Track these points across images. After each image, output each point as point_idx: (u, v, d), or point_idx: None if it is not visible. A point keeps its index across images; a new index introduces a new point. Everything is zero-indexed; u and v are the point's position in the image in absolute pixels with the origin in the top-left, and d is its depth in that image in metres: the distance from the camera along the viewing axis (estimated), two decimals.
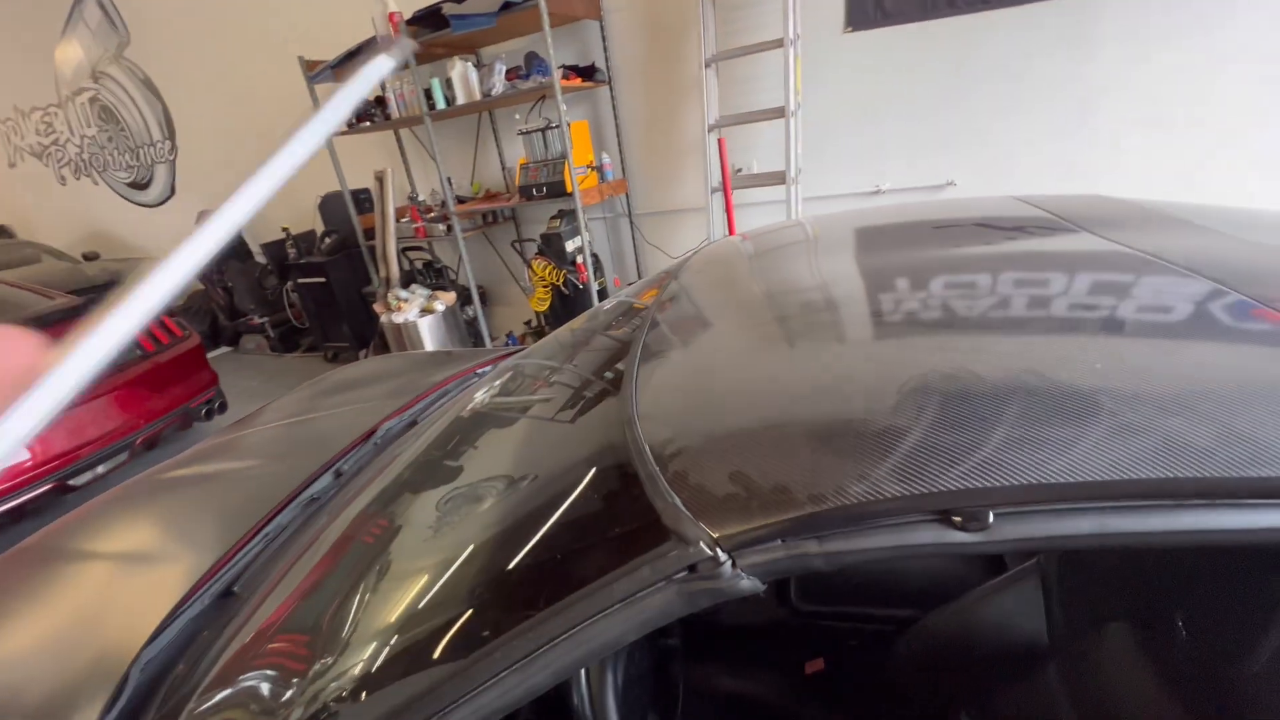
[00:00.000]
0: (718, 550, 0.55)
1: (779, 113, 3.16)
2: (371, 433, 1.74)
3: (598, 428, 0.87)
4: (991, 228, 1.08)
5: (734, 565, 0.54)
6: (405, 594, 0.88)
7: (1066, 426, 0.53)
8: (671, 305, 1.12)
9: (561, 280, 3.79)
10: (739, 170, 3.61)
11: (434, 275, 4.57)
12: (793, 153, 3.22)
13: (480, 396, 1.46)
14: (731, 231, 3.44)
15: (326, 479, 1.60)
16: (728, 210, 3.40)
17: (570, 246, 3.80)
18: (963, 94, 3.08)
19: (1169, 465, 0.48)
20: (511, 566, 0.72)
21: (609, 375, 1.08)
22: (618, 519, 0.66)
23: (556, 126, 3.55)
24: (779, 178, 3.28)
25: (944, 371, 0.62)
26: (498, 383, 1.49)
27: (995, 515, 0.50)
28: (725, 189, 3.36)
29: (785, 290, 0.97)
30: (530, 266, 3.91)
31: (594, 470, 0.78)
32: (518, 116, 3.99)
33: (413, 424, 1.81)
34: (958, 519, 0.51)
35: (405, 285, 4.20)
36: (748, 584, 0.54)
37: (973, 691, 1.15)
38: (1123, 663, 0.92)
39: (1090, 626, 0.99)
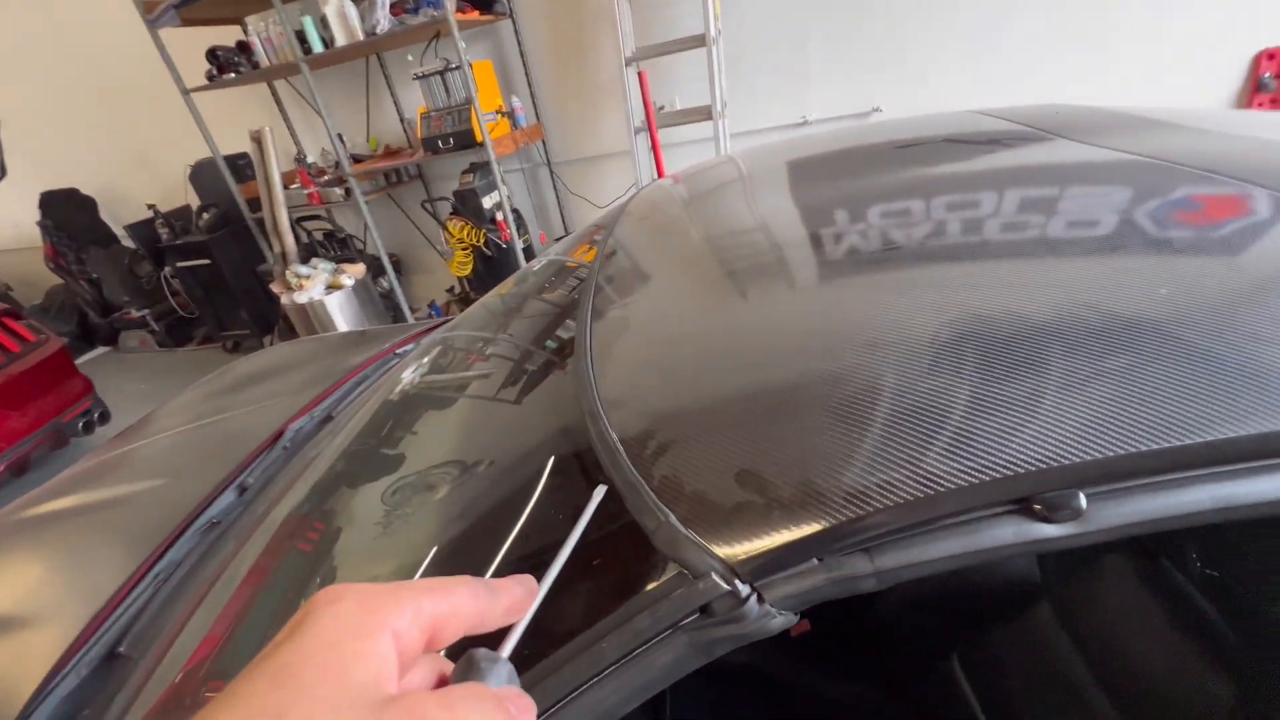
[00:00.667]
0: (736, 582, 0.41)
1: (699, 41, 2.94)
2: (278, 435, 1.49)
3: (551, 419, 0.71)
4: (965, 143, 0.96)
5: (760, 599, 0.41)
6: None
7: (1150, 373, 0.42)
8: (615, 263, 0.95)
9: (482, 240, 3.50)
10: (661, 108, 3.38)
11: (338, 246, 4.12)
12: (717, 85, 3.03)
13: (411, 375, 1.25)
14: (660, 174, 3.25)
15: (228, 497, 1.36)
16: (654, 151, 3.19)
17: (488, 203, 3.48)
18: (880, 13, 2.97)
19: None
20: None
21: (552, 347, 0.92)
22: (592, 549, 0.51)
23: (457, 68, 3.17)
24: (705, 113, 3.08)
25: (984, 315, 0.50)
26: (426, 359, 1.28)
27: (1088, 498, 0.39)
28: (650, 128, 3.13)
29: (754, 232, 0.82)
30: (446, 228, 3.58)
31: (549, 483, 0.62)
32: (411, 58, 3.55)
33: (327, 419, 1.58)
34: (1039, 507, 0.39)
35: (305, 260, 3.76)
36: (780, 621, 0.41)
37: (964, 634, 1.11)
38: (1123, 596, 0.88)
39: (1085, 561, 0.95)
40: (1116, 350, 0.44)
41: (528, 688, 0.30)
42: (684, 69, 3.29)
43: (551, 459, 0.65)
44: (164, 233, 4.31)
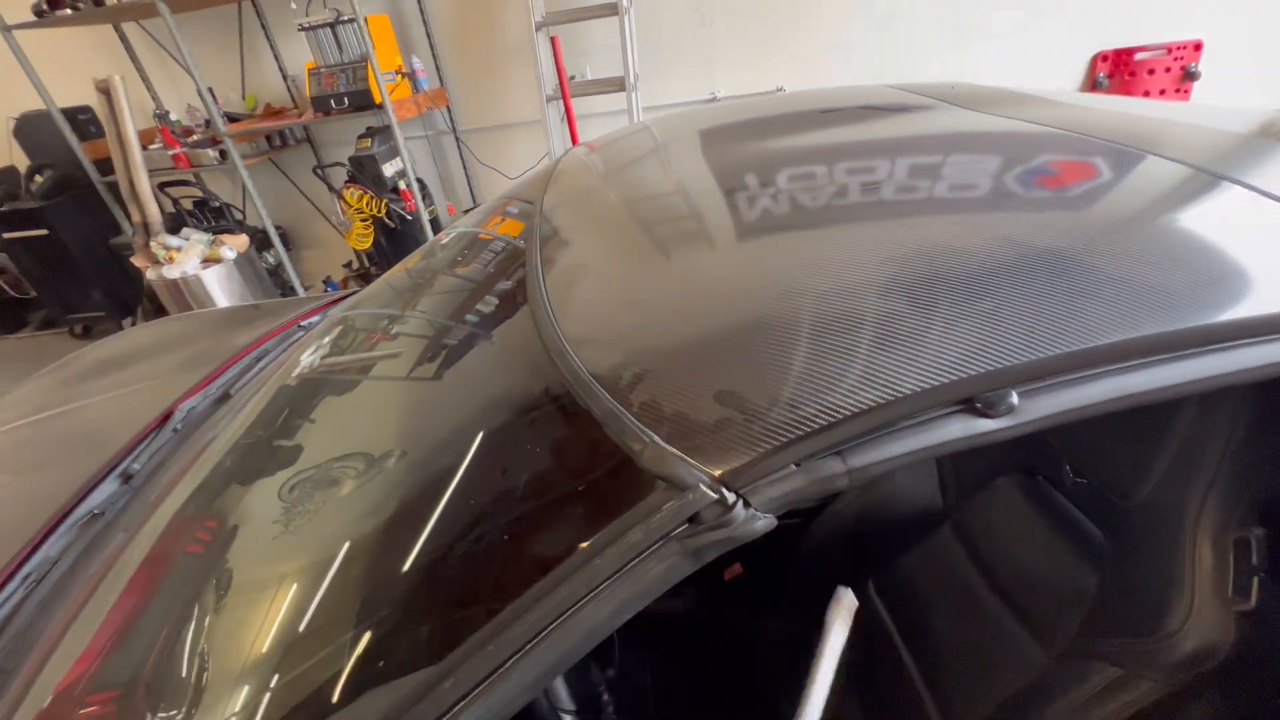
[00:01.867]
0: (723, 490, 0.44)
1: (611, 9, 2.91)
2: (167, 416, 1.35)
3: (495, 372, 0.70)
4: (888, 110, 1.04)
5: (746, 504, 0.44)
6: (275, 613, 0.67)
7: (1062, 291, 0.49)
8: (561, 215, 0.94)
9: (383, 211, 3.28)
10: (573, 77, 3.32)
11: (212, 216, 3.70)
12: (630, 56, 3.02)
13: (310, 358, 1.17)
14: (575, 143, 3.20)
15: (110, 485, 1.21)
16: (569, 118, 3.14)
17: (389, 170, 3.27)
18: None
19: (1164, 318, 0.46)
20: (436, 560, 0.55)
21: (486, 312, 0.89)
22: (573, 477, 0.52)
23: (350, 20, 2.93)
24: (618, 84, 3.07)
25: (925, 248, 0.55)
26: (327, 340, 1.20)
27: (1019, 395, 0.45)
28: (564, 94, 3.07)
29: (715, 174, 0.84)
30: (342, 197, 3.32)
31: (516, 421, 0.62)
32: (295, 6, 3.22)
33: (224, 398, 1.44)
34: (980, 405, 0.45)
35: (174, 231, 3.34)
36: (763, 523, 0.44)
37: (876, 562, 1.23)
38: (1011, 511, 1.02)
39: (979, 485, 1.09)
40: (1032, 275, 0.51)
41: (526, 612, 0.31)
42: (596, 39, 3.24)
43: (481, 433, 0.64)
44: None
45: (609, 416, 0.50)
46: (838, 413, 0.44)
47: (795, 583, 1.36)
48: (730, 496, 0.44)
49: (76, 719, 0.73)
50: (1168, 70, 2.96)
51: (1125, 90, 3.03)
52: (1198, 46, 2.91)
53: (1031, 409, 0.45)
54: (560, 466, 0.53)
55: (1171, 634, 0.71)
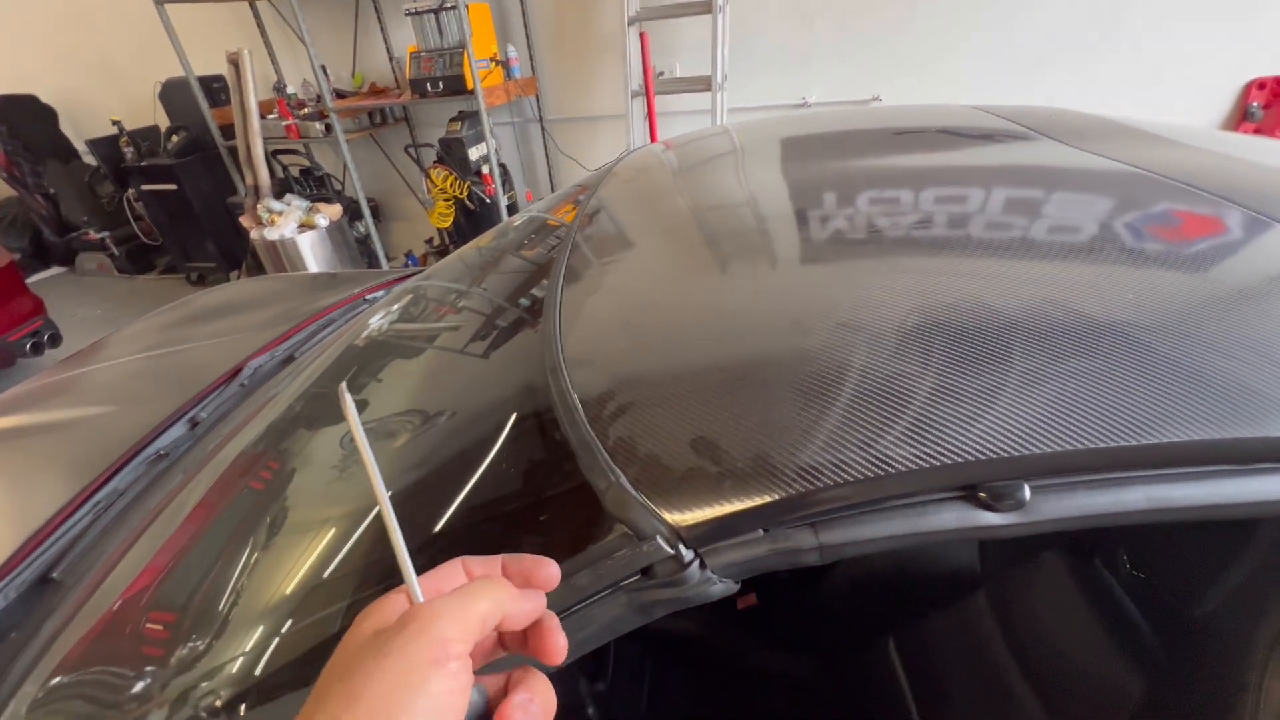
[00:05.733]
0: (680, 547, 0.41)
1: (705, 7, 2.86)
2: (236, 371, 1.45)
3: (517, 375, 0.69)
4: (959, 135, 0.96)
5: (702, 565, 0.41)
6: (319, 551, 0.70)
7: (1101, 374, 0.42)
8: (596, 223, 0.92)
9: (465, 193, 3.40)
10: (660, 74, 3.30)
11: (314, 185, 3.97)
12: (719, 55, 2.96)
13: (379, 322, 1.22)
14: (654, 140, 3.19)
15: (179, 429, 1.32)
16: (650, 116, 3.12)
17: (474, 154, 3.38)
18: (891, 1, 2.92)
19: (1234, 423, 0.39)
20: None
21: (524, 304, 0.90)
22: (534, 504, 0.50)
23: (452, 7, 3.04)
24: (704, 83, 3.02)
25: (952, 305, 0.50)
26: (397, 307, 1.25)
27: (1032, 490, 0.39)
28: (648, 91, 3.06)
29: (740, 204, 0.80)
30: (429, 176, 3.47)
31: (508, 438, 0.61)
32: None
33: (289, 360, 1.54)
34: (984, 495, 0.40)
35: (279, 196, 3.61)
36: (720, 588, 0.41)
37: (902, 616, 1.15)
38: (1056, 593, 0.92)
39: (1024, 555, 0.99)
40: (1073, 350, 0.44)
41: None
42: (686, 36, 3.20)
43: (513, 415, 0.64)
44: (129, 152, 4.09)
45: (582, 447, 0.48)
46: (816, 479, 0.40)
47: (812, 622, 1.30)
48: (687, 554, 0.41)
49: (126, 632, 0.80)
50: None
51: None
52: None
53: (1044, 508, 0.39)
54: (526, 489, 0.52)
55: None
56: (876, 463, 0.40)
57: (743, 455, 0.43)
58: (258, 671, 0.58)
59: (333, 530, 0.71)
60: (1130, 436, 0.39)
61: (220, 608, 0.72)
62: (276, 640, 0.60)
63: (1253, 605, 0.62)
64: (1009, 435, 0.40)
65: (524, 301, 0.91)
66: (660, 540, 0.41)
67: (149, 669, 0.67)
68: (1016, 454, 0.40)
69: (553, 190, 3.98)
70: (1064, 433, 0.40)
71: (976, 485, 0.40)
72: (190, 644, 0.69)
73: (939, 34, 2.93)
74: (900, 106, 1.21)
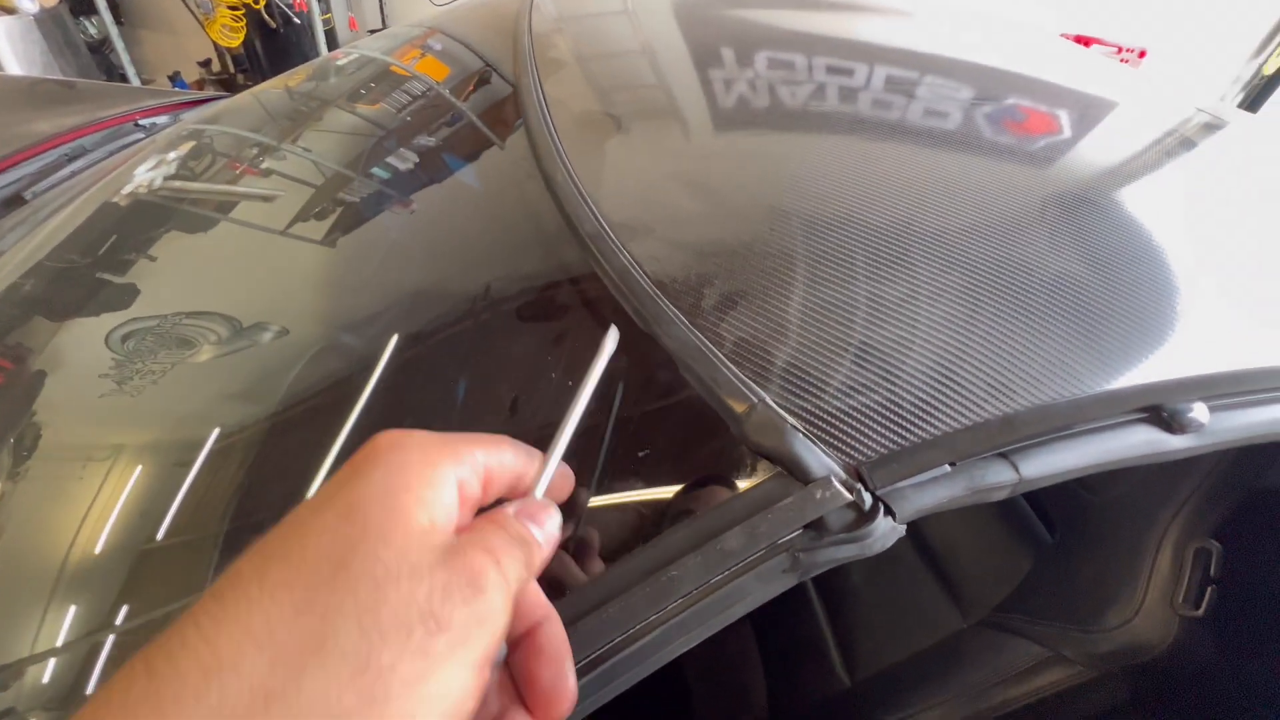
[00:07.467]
0: (860, 490, 0.31)
1: None
2: None
3: (486, 248, 0.50)
4: None
5: (888, 511, 0.31)
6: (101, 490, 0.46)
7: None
8: (572, 45, 0.69)
9: (263, 3, 2.58)
10: None
11: None
12: None
13: (149, 174, 0.85)
14: None
15: None
16: None
17: None
18: None
19: None
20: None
21: (384, 176, 0.66)
22: (641, 438, 0.35)
23: None
24: None
25: (1148, 231, 0.43)
26: (173, 155, 0.88)
27: (1211, 409, 0.36)
28: None
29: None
30: None
31: (504, 325, 0.43)
32: None
33: (16, 200, 1.05)
34: (1167, 415, 0.36)
35: None
36: (894, 539, 0.32)
37: None
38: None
39: None
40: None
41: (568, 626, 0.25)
42: None
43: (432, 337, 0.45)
44: None
45: (690, 352, 0.33)
46: (1011, 398, 0.33)
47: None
48: (867, 499, 0.31)
49: None
50: None
51: None
52: (1142, 54, 3.02)
53: (1220, 428, 0.36)
54: (597, 411, 0.36)
55: (1110, 628, 0.73)
56: (1065, 383, 0.34)
57: (924, 370, 0.33)
58: None
59: (141, 460, 0.48)
60: None
61: None
62: None
63: (1157, 488, 0.72)
64: (1184, 353, 0.36)
65: (382, 173, 0.67)
66: (836, 483, 0.30)
67: None
68: (1197, 375, 0.36)
69: (384, 23, 3.22)
70: (1232, 354, 0.36)
71: (1160, 406, 0.35)
72: None
73: None
74: None
